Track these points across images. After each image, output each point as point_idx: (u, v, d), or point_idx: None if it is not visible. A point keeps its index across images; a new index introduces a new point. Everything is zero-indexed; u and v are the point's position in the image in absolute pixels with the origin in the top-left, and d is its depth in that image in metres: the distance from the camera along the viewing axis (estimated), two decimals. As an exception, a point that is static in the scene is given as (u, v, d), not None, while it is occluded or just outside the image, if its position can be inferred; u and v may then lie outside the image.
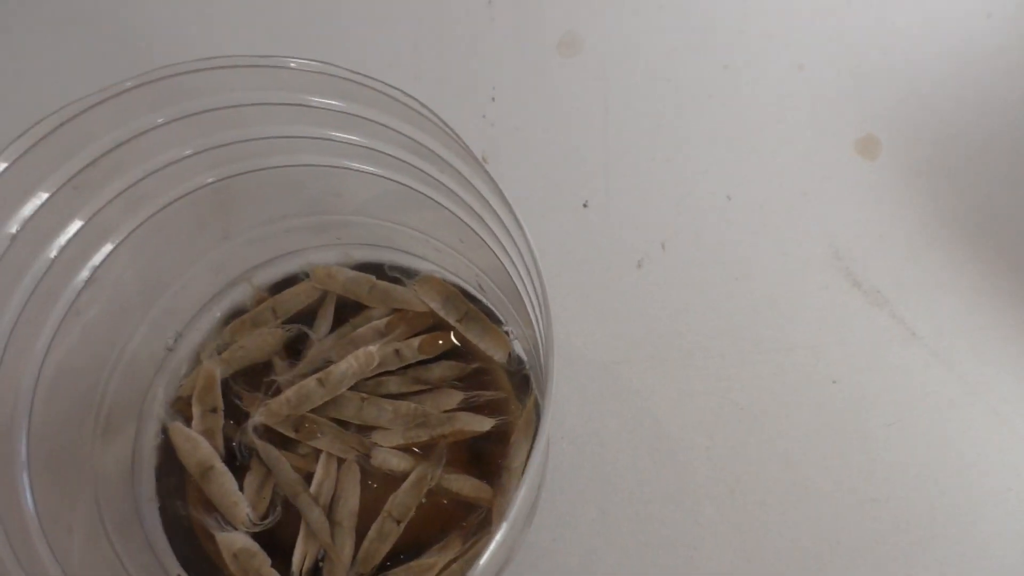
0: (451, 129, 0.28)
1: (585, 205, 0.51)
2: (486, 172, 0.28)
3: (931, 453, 0.45)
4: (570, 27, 0.55)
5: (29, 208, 0.30)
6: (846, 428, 0.46)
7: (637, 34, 0.55)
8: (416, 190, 0.36)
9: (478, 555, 0.42)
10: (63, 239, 0.32)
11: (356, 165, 0.36)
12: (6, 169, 0.28)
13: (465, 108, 0.53)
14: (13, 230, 0.30)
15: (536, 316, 0.33)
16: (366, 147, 0.34)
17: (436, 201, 0.35)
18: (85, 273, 0.35)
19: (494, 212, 0.30)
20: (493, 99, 0.53)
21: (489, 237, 0.34)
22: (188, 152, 0.34)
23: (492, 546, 0.29)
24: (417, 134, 0.31)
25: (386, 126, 0.31)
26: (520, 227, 0.28)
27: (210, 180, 0.36)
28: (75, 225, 0.33)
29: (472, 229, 0.35)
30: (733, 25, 0.54)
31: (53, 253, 0.32)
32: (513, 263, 0.32)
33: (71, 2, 0.53)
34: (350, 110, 0.31)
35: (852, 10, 0.55)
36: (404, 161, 0.34)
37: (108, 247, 0.35)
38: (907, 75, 0.53)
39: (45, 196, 0.30)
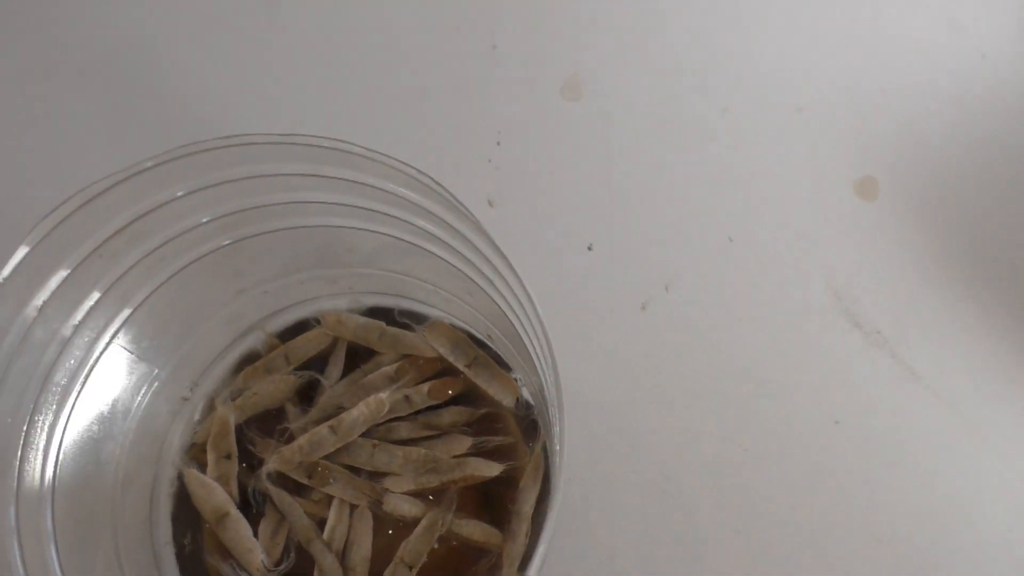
0: (452, 195, 0.29)
1: (590, 248, 0.52)
2: (486, 234, 0.29)
3: (934, 493, 0.46)
4: (573, 70, 0.56)
5: (55, 281, 0.31)
6: (850, 469, 0.47)
7: (639, 77, 0.56)
8: (423, 248, 0.37)
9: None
10: (87, 306, 0.33)
11: (366, 226, 0.37)
12: (36, 245, 0.29)
13: (471, 152, 0.54)
14: (39, 302, 0.31)
15: (542, 366, 0.33)
16: (375, 211, 0.35)
17: (442, 258, 0.36)
18: (106, 338, 0.36)
19: (495, 269, 0.31)
20: (499, 143, 0.54)
21: (492, 292, 0.35)
22: (205, 219, 0.35)
23: None
24: (421, 199, 0.32)
25: (393, 193, 0.32)
26: (522, 284, 0.29)
27: (226, 242, 0.37)
28: (96, 294, 0.33)
29: (476, 283, 0.36)
30: (732, 68, 0.56)
31: (77, 319, 0.33)
32: (516, 315, 0.33)
33: (98, 85, 0.54)
34: (359, 179, 0.32)
35: (849, 53, 0.56)
36: (410, 223, 0.35)
37: (127, 311, 0.36)
38: (904, 116, 0.54)
39: (68, 271, 0.31)
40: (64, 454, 0.34)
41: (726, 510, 0.46)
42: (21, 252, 0.30)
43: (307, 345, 0.48)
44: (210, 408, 0.47)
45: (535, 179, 0.53)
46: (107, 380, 0.37)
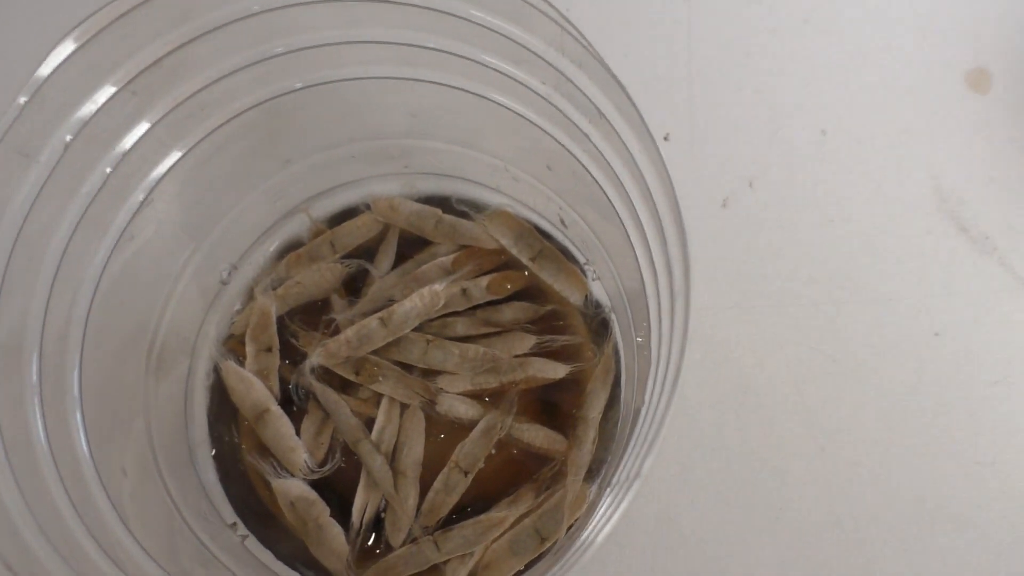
0: (559, 11, 0.24)
1: (666, 138, 0.47)
2: (607, 70, 0.24)
3: (1043, 414, 0.42)
4: (651, -56, 0.50)
5: (84, 113, 0.27)
6: (949, 385, 0.43)
7: (724, -48, 0.50)
8: (503, 105, 0.32)
9: (553, 507, 0.40)
10: (119, 152, 0.29)
11: (436, 77, 0.32)
12: (65, 60, 0.24)
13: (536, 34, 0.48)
14: (67, 138, 0.26)
15: (658, 246, 0.29)
16: (446, 51, 0.30)
17: (527, 119, 0.32)
18: (140, 195, 0.31)
19: (611, 126, 0.26)
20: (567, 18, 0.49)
21: (594, 159, 0.30)
22: (252, 60, 0.30)
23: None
24: (509, 28, 0.27)
25: (470, 20, 0.27)
26: (641, 119, 0.24)
27: (277, 93, 0.32)
28: (133, 136, 0.29)
29: (569, 151, 0.31)
30: (831, -57, 0.50)
31: (108, 168, 0.29)
32: (623, 187, 0.29)
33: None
34: (440, 6, 0.27)
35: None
36: (492, 68, 0.29)
37: (165, 165, 0.32)
38: (1022, 5, 0.48)
39: (101, 101, 0.27)
40: (93, 314, 0.30)
41: (810, 426, 0.42)
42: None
43: (355, 232, 0.44)
44: (250, 297, 0.43)
45: (608, 61, 0.48)
46: (141, 244, 0.33)
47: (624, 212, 0.31)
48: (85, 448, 0.29)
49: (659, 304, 0.32)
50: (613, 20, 0.49)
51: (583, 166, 0.31)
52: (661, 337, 0.32)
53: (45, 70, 0.25)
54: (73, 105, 0.27)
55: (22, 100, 0.25)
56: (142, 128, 0.29)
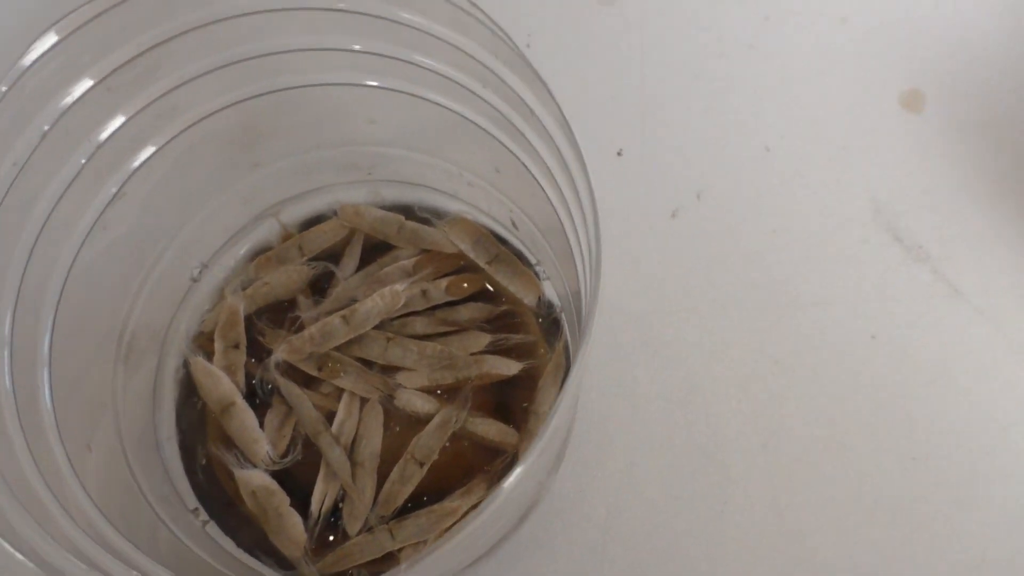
0: (491, 20, 0.27)
1: (619, 153, 0.50)
2: (532, 71, 0.27)
3: (973, 412, 0.44)
4: (607, -24, 0.53)
5: (62, 104, 0.29)
6: (885, 385, 0.45)
7: (676, -17, 0.53)
8: (453, 111, 0.34)
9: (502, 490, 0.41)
10: (94, 143, 0.31)
11: (391, 83, 0.35)
12: (47, 51, 0.27)
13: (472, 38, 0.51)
14: (45, 127, 0.29)
15: (583, 243, 0.31)
16: (403, 60, 0.32)
17: (475, 123, 0.34)
18: (113, 188, 0.34)
19: (542, 127, 0.28)
20: (528, 45, 0.52)
21: (532, 159, 0.32)
22: (222, 62, 0.33)
23: (514, 475, 0.27)
24: (459, 39, 0.29)
25: (425, 31, 0.30)
26: (564, 119, 0.27)
27: (244, 96, 0.35)
28: (107, 130, 0.31)
29: (512, 153, 0.33)
30: (775, -24, 0.53)
31: (83, 159, 0.31)
32: (558, 185, 0.31)
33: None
34: (386, 14, 0.30)
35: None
36: (442, 75, 0.32)
37: (139, 159, 0.34)
38: (954, 28, 0.51)
39: (78, 94, 0.29)
40: (66, 295, 0.32)
41: (754, 423, 0.44)
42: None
43: (322, 236, 0.46)
44: (220, 297, 0.45)
45: (566, 83, 0.51)
46: (115, 236, 0.35)
47: (560, 210, 0.33)
48: (49, 406, 0.30)
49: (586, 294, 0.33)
50: (573, 46, 0.53)
51: (524, 165, 0.33)
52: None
53: (27, 60, 0.27)
54: (51, 95, 0.29)
55: (2, 88, 0.27)
56: (117, 122, 0.32)
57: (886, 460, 0.43)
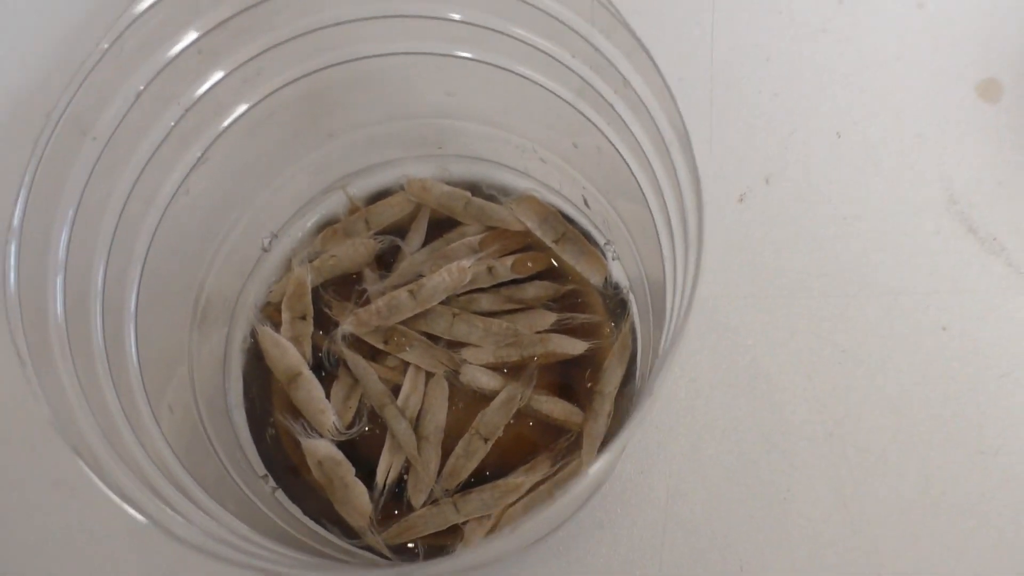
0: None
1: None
2: (635, 39, 0.26)
3: (1046, 407, 0.43)
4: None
5: (157, 63, 0.29)
6: (955, 377, 0.44)
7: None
8: (537, 83, 0.34)
9: (569, 477, 0.41)
10: (183, 106, 0.32)
11: (480, 55, 0.34)
12: (146, 10, 0.27)
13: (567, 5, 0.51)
14: (140, 87, 0.29)
15: (682, 222, 0.30)
16: (495, 30, 0.32)
17: (559, 96, 0.34)
18: (198, 151, 0.34)
19: (637, 97, 0.28)
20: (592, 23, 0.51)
21: (619, 134, 0.32)
22: (309, 27, 0.33)
23: (603, 459, 0.27)
24: (557, 8, 0.29)
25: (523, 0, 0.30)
26: (673, 104, 0.26)
27: (325, 64, 0.35)
28: (198, 92, 0.32)
29: (596, 127, 0.33)
30: (850, -41, 0.52)
31: (172, 121, 0.32)
32: (647, 160, 0.31)
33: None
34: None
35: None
36: (533, 46, 0.32)
37: (223, 124, 0.34)
38: (1035, 17, 0.50)
39: (172, 54, 0.29)
40: (150, 260, 0.33)
41: (819, 412, 0.44)
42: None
43: (389, 210, 0.46)
44: (287, 268, 0.45)
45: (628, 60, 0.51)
46: (195, 200, 0.35)
47: (647, 186, 0.33)
48: (135, 361, 0.31)
49: (675, 282, 0.33)
50: (639, 26, 0.52)
51: (607, 139, 0.33)
52: (673, 310, 0.34)
53: (126, 19, 0.28)
54: (148, 56, 0.29)
55: (104, 45, 0.27)
56: (206, 85, 0.32)
57: (954, 453, 0.43)
